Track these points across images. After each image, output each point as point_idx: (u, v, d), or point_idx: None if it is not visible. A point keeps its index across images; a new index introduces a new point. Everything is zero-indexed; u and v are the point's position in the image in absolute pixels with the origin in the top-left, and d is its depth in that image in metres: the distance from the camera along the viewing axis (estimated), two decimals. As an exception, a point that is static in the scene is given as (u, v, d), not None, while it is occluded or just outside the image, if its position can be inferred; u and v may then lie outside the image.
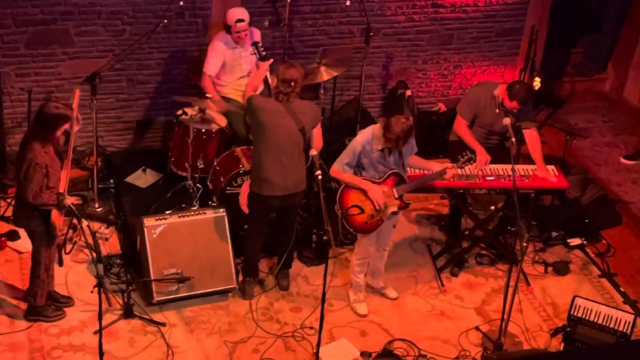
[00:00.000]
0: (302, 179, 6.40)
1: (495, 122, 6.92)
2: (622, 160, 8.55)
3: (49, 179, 5.77)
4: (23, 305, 6.42)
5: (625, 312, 6.49)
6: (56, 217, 5.91)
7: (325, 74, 7.44)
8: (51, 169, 5.78)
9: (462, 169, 6.63)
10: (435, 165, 6.55)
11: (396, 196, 6.37)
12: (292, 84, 6.10)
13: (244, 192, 6.76)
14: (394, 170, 6.38)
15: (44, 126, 5.76)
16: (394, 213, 6.47)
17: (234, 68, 7.42)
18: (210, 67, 7.35)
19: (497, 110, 6.86)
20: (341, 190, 6.35)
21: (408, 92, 8.43)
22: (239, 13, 7.20)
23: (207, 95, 7.24)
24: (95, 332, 5.82)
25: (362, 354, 6.31)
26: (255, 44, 7.00)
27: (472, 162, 6.59)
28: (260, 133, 6.23)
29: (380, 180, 6.34)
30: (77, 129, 6.15)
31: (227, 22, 7.23)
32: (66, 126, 5.84)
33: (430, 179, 6.56)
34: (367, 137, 6.28)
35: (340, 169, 6.29)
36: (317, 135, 6.42)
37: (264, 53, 6.90)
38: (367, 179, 6.32)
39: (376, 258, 6.78)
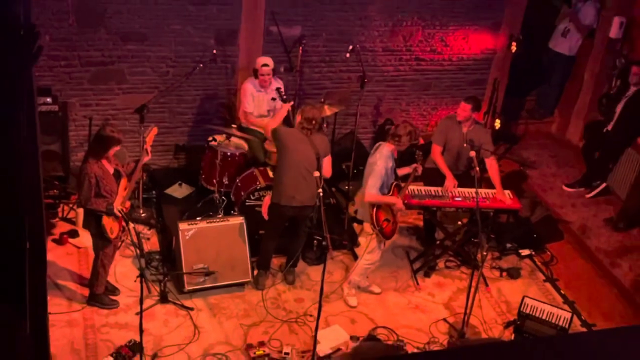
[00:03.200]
0: (314, 195, 6.35)
1: (462, 149, 7.02)
2: (564, 187, 8.53)
3: (99, 188, 5.81)
4: (80, 290, 6.47)
5: (565, 310, 6.51)
6: (107, 221, 5.93)
7: (328, 111, 7.48)
8: (103, 180, 5.82)
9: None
10: (406, 169, 6.71)
11: (402, 197, 6.55)
12: (313, 122, 6.29)
13: (265, 203, 6.83)
14: (393, 182, 6.49)
15: (98, 144, 5.84)
16: None
17: (257, 108, 7.44)
18: (248, 105, 7.36)
19: (465, 145, 6.91)
20: (375, 212, 6.37)
21: (394, 127, 8.42)
22: (264, 59, 7.28)
23: (233, 126, 7.32)
24: (136, 314, 5.78)
25: (352, 337, 6.33)
26: (277, 89, 7.14)
27: (424, 157, 6.82)
28: (284, 155, 6.32)
29: (391, 193, 6.45)
30: (146, 160, 6.23)
31: (255, 67, 7.28)
32: (116, 148, 5.89)
33: (412, 177, 6.66)
34: (385, 160, 6.39)
35: (376, 193, 6.35)
36: (327, 164, 6.52)
37: (285, 97, 7.00)
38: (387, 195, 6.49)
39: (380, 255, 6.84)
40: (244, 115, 7.44)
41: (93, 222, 6.00)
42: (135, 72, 7.57)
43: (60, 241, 6.84)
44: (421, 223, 7.75)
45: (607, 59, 8.84)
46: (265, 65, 7.20)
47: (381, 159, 6.41)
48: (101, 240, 6.08)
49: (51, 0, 6.90)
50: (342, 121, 8.25)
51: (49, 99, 6.98)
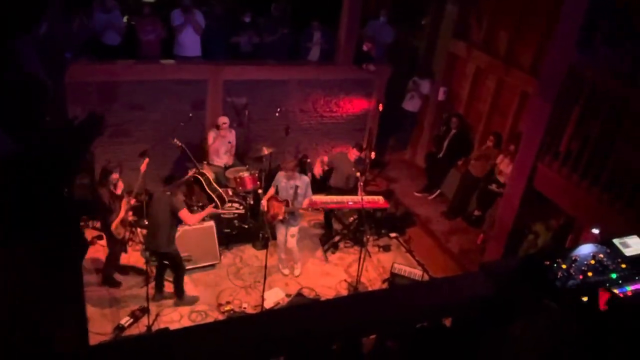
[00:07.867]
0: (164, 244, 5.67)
1: (350, 172, 7.10)
2: (415, 193, 8.59)
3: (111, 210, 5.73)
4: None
5: (418, 269, 6.76)
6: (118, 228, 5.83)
7: (265, 151, 7.42)
8: (111, 201, 5.73)
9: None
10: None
11: (287, 209, 6.32)
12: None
13: None
14: (291, 198, 6.36)
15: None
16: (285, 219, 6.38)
17: (221, 147, 7.39)
18: (209, 141, 7.35)
19: (353, 169, 7.02)
20: (267, 203, 6.38)
21: (308, 160, 8.47)
22: (225, 119, 7.28)
23: (204, 162, 7.13)
24: (141, 287, 5.82)
25: (287, 295, 6.39)
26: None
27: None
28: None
29: (278, 201, 6.35)
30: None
31: (218, 123, 7.23)
32: (114, 176, 5.74)
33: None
34: (285, 176, 6.30)
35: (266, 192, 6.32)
36: (183, 216, 5.59)
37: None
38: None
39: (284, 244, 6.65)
40: (207, 147, 7.30)
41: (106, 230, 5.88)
42: (139, 130, 7.40)
43: (91, 243, 6.65)
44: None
45: (437, 113, 8.94)
46: (225, 123, 7.25)
47: (281, 174, 6.34)
48: (111, 244, 6.00)
49: (81, 82, 6.69)
50: (276, 157, 8.02)
51: (79, 149, 6.71)
